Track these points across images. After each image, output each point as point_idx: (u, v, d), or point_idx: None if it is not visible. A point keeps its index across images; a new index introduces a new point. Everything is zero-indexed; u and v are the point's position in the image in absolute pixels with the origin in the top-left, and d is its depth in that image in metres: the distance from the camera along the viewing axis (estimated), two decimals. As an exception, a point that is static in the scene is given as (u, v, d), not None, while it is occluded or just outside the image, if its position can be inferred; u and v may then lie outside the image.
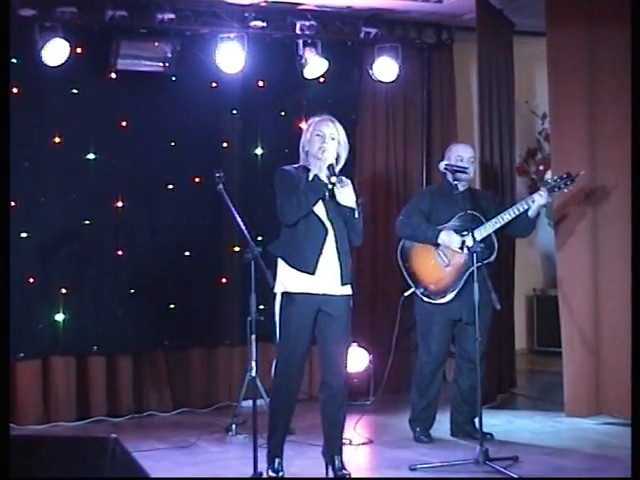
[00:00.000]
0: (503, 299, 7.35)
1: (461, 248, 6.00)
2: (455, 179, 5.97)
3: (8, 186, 4.20)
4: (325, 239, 5.16)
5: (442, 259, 6.09)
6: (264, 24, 7.40)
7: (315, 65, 7.44)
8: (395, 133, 8.12)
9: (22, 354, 6.72)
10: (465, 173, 6.00)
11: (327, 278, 5.16)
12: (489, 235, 6.06)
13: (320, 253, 5.14)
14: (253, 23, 7.34)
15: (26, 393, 6.77)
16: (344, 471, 5.18)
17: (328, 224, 5.18)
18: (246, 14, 7.30)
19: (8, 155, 4.12)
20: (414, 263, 6.18)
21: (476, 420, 5.83)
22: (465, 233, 6.00)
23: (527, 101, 9.03)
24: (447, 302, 6.06)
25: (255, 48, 7.26)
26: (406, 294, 6.23)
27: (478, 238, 5.93)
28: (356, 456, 5.38)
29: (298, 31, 7.44)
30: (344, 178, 5.16)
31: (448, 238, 6.02)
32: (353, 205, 5.11)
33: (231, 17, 7.26)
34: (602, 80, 6.61)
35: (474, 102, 7.97)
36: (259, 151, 7.50)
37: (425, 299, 6.11)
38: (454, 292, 6.05)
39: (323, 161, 5.16)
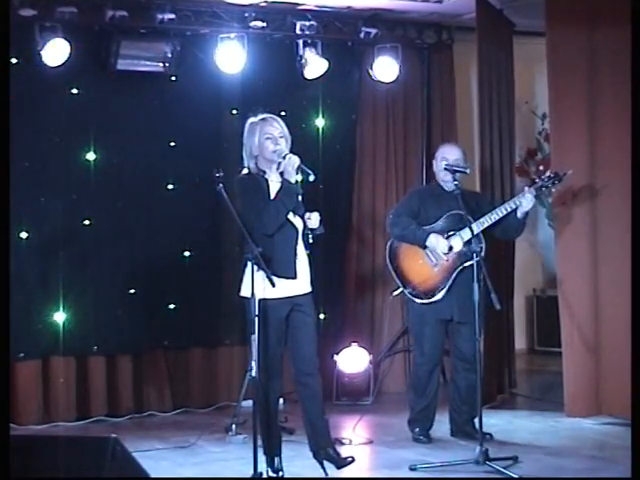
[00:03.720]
0: (503, 299, 7.41)
1: (448, 252, 6.03)
2: (455, 179, 5.96)
3: (8, 186, 4.20)
4: (297, 240, 5.21)
5: (430, 259, 6.10)
6: (264, 24, 7.40)
7: (315, 65, 7.44)
8: (395, 133, 8.11)
9: (22, 354, 6.72)
10: (465, 173, 6.00)
11: (301, 278, 5.22)
12: (477, 235, 6.03)
13: (295, 256, 5.18)
14: (253, 23, 7.34)
15: (26, 393, 6.77)
16: (348, 459, 5.25)
17: (297, 222, 5.23)
18: (246, 14, 7.30)
19: (8, 155, 4.12)
20: (402, 263, 6.18)
21: (476, 420, 5.83)
22: (452, 233, 6.05)
23: (527, 101, 9.03)
24: (436, 302, 6.06)
25: (255, 48, 7.26)
26: (395, 294, 6.26)
27: (465, 238, 6.01)
28: (356, 456, 5.37)
29: (298, 31, 7.44)
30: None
31: (436, 241, 6.03)
32: (318, 226, 5.24)
33: (231, 17, 7.26)
34: (602, 80, 6.61)
35: (474, 102, 7.98)
36: (259, 151, 7.48)
37: (414, 298, 6.11)
38: (442, 291, 6.05)
39: (290, 164, 5.14)
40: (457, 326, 6.13)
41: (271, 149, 5.19)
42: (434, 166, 6.28)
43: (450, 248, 6.03)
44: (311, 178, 5.17)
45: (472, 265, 5.90)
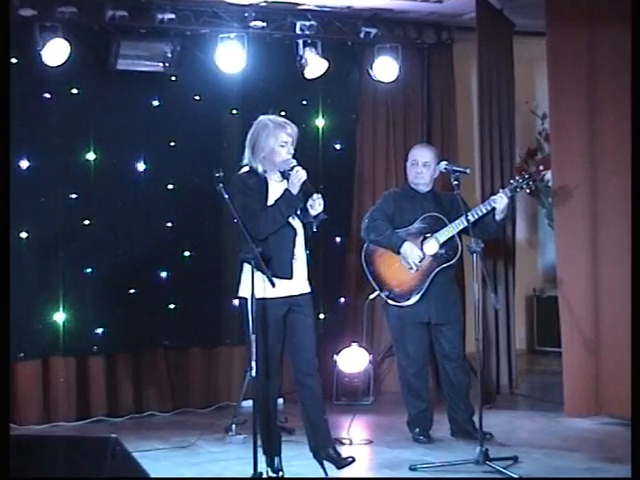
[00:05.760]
0: (503, 299, 7.43)
1: (420, 261, 6.05)
2: (455, 179, 5.94)
3: (8, 186, 4.21)
4: (295, 241, 5.19)
5: (406, 262, 6.10)
6: (264, 24, 7.40)
7: (315, 65, 7.44)
8: (395, 133, 8.11)
9: (22, 354, 6.72)
10: (465, 174, 5.99)
11: (298, 278, 5.21)
12: (452, 237, 6.07)
13: (293, 256, 5.17)
14: (253, 23, 7.34)
15: (26, 393, 6.77)
16: (349, 459, 5.24)
17: (295, 224, 5.21)
18: (246, 14, 7.30)
19: (8, 155, 4.13)
20: (379, 266, 6.18)
21: (475, 419, 5.83)
22: (428, 235, 6.08)
23: (527, 101, 9.02)
24: (414, 305, 6.08)
25: (255, 48, 7.26)
26: (371, 297, 6.26)
27: (441, 240, 6.06)
28: (356, 456, 5.37)
29: (298, 31, 7.43)
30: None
31: (410, 250, 6.05)
32: (321, 211, 5.17)
33: (231, 17, 7.26)
34: (602, 80, 6.61)
35: (474, 102, 7.98)
36: (259, 151, 7.48)
37: (390, 302, 6.12)
38: (419, 294, 6.07)
39: (296, 177, 5.11)
40: (438, 328, 6.16)
41: (283, 158, 5.18)
42: (407, 168, 6.28)
43: (422, 260, 6.05)
44: (314, 197, 5.15)
45: (449, 267, 6.10)
